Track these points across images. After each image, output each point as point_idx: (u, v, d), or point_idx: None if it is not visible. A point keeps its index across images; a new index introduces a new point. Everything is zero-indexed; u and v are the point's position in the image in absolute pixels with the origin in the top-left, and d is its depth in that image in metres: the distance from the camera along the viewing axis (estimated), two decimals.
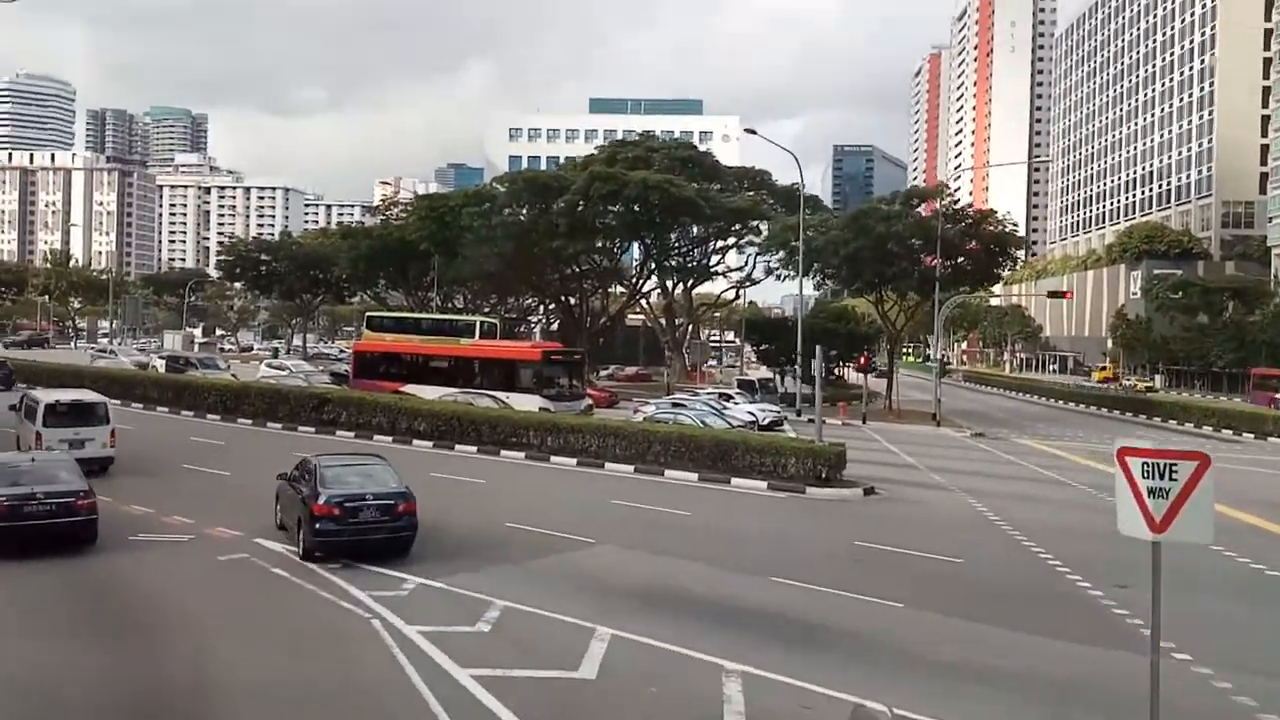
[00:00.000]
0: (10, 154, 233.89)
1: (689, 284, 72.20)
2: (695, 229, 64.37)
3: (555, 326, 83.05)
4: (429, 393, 37.95)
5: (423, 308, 69.76)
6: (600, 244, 55.83)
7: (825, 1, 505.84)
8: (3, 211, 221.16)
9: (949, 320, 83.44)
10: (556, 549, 16.56)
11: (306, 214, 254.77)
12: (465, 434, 29.64)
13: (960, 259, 50.64)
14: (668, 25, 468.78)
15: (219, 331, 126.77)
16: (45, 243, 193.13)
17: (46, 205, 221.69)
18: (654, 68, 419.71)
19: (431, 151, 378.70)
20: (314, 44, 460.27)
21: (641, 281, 63.00)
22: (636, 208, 54.44)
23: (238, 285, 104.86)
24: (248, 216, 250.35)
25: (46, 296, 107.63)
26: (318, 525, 14.59)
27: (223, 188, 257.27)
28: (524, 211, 56.88)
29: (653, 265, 64.77)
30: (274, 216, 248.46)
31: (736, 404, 39.06)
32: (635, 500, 21.35)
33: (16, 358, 54.99)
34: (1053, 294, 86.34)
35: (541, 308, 79.68)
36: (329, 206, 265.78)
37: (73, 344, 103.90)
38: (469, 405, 32.69)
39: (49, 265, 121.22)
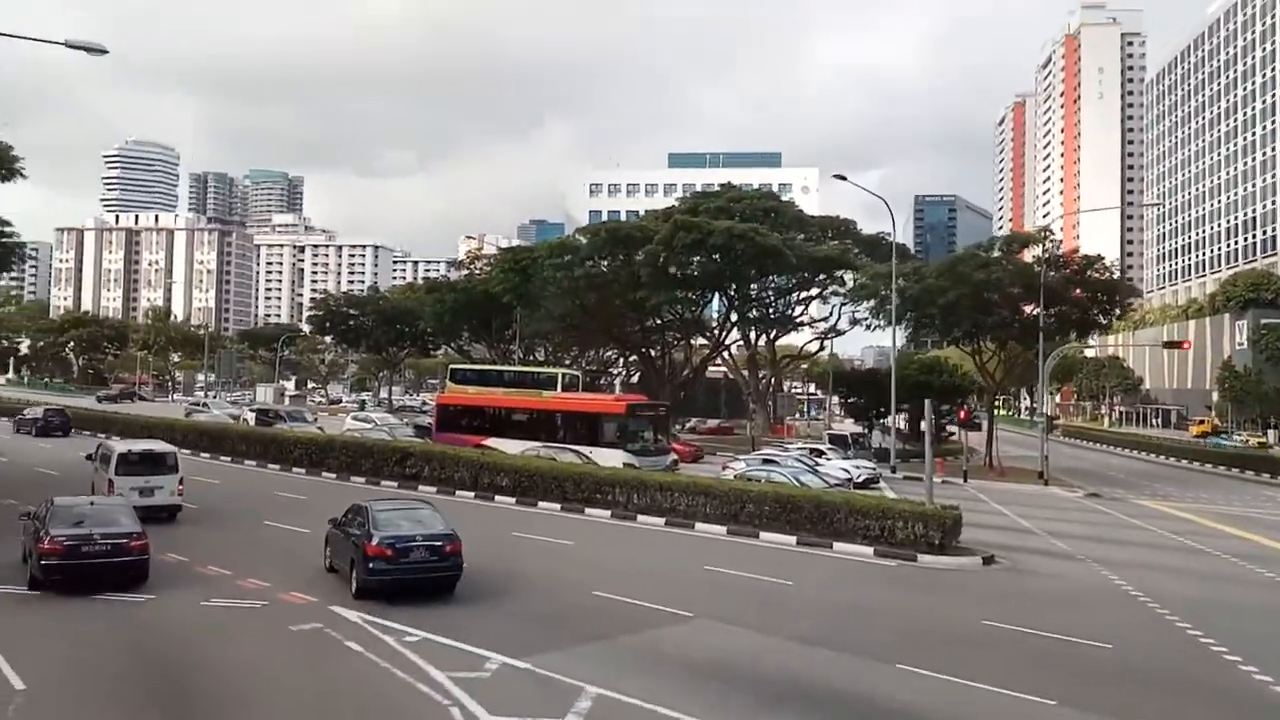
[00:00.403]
0: (117, 216, 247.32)
1: (772, 335, 70.65)
2: (778, 279, 63.03)
3: (635, 379, 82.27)
4: (511, 446, 37.14)
5: (505, 360, 69.73)
6: (682, 295, 54.84)
7: (903, 53, 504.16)
8: (109, 271, 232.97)
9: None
10: (650, 623, 15.08)
11: (394, 270, 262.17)
12: (548, 491, 28.52)
13: (1064, 307, 47.93)
14: (745, 79, 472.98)
15: (310, 384, 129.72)
16: (148, 300, 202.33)
17: (150, 264, 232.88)
18: (732, 121, 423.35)
19: (513, 209, 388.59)
20: (403, 109, 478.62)
21: (725, 333, 61.74)
22: (719, 257, 53.44)
23: (328, 339, 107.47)
24: (339, 273, 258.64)
25: (146, 351, 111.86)
26: (371, 565, 15.34)
27: (316, 246, 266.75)
28: (605, 263, 56.41)
29: (735, 316, 63.51)
30: (364, 273, 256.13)
31: (829, 460, 37.10)
32: (731, 566, 19.76)
33: (113, 411, 56.40)
34: (1169, 344, 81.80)
35: (621, 360, 79.07)
36: (415, 263, 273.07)
37: (170, 397, 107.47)
38: (551, 461, 31.65)
39: (149, 321, 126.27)
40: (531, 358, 68.94)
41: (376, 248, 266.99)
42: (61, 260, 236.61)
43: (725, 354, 71.09)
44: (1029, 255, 53.37)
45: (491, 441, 39.39)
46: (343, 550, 16.71)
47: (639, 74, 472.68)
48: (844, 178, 41.18)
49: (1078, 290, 48.10)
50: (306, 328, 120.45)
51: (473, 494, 30.33)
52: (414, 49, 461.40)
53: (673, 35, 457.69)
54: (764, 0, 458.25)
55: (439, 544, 15.79)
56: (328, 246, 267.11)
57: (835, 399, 75.79)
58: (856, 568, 20.68)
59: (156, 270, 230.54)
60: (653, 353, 65.00)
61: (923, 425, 27.96)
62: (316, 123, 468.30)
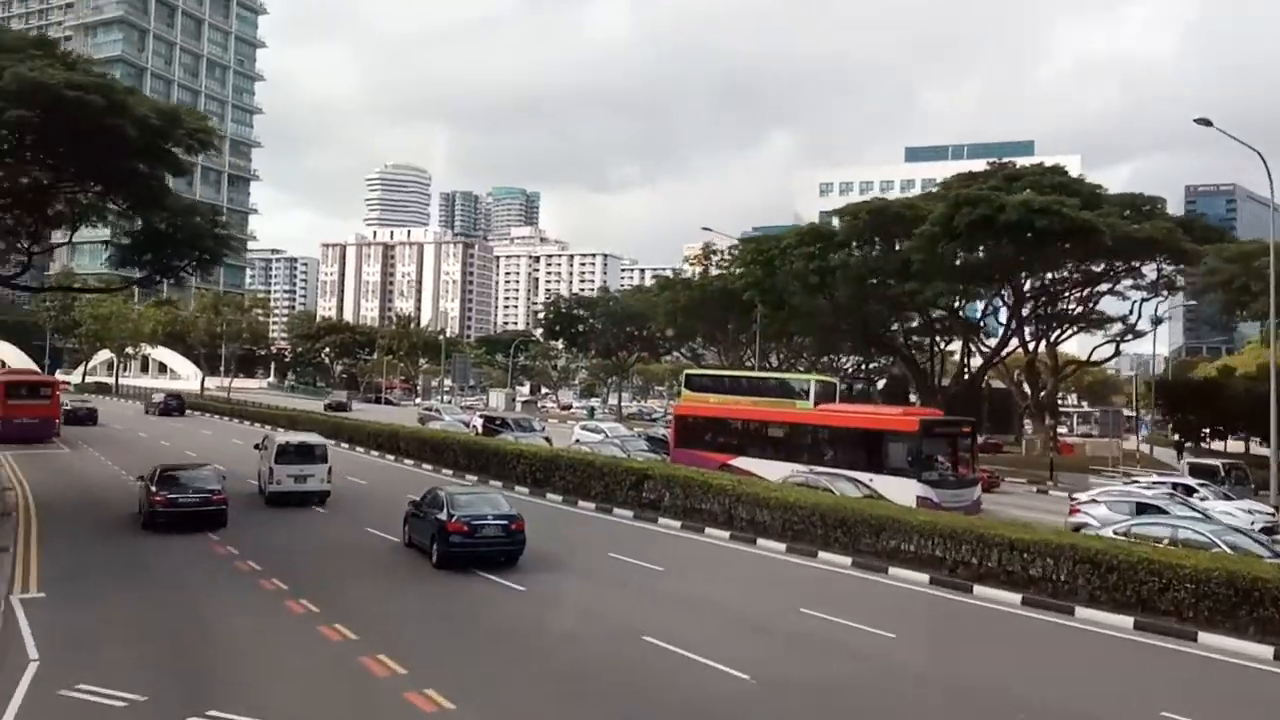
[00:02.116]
0: (375, 232, 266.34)
1: (1055, 336, 59.12)
2: (1069, 270, 51.85)
3: (881, 385, 72.88)
4: (766, 468, 30.27)
5: (738, 365, 63.21)
6: (964, 286, 45.62)
7: (1157, 42, 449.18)
8: (367, 282, 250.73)
9: None
10: None
11: (622, 277, 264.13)
12: (831, 538, 21.28)
13: None
14: (980, 77, 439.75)
15: (541, 390, 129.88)
16: (401, 310, 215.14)
17: (403, 275, 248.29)
18: (965, 122, 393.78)
19: (735, 218, 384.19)
20: (631, 126, 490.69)
21: (1011, 333, 51.43)
22: (1007, 239, 43.71)
23: (559, 344, 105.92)
24: (570, 281, 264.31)
25: (391, 356, 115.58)
26: (451, 539, 18.19)
27: (550, 256, 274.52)
28: (859, 250, 48.32)
29: (1022, 312, 52.93)
30: (593, 280, 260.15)
31: (1207, 500, 27.01)
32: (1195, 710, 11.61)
33: (340, 418, 55.08)
34: None
35: (864, 365, 70.02)
36: (642, 270, 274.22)
37: (414, 401, 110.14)
38: (827, 493, 24.35)
39: (394, 327, 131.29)
40: (765, 364, 61.73)
41: (605, 256, 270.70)
42: (327, 274, 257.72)
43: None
44: None
45: (741, 462, 32.70)
46: (422, 529, 19.61)
47: (864, 78, 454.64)
48: (1208, 122, 30.78)
49: None
50: (538, 332, 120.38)
51: (727, 534, 23.67)
52: (640, 68, 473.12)
53: (899, 38, 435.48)
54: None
55: (506, 522, 18.67)
56: (560, 256, 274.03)
57: (1145, 414, 62.93)
58: None
59: (409, 281, 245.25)
60: (915, 355, 55.91)
61: None
62: (552, 141, 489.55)
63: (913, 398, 61.23)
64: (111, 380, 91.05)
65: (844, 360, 69.16)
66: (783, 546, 22.12)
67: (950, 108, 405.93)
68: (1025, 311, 52.90)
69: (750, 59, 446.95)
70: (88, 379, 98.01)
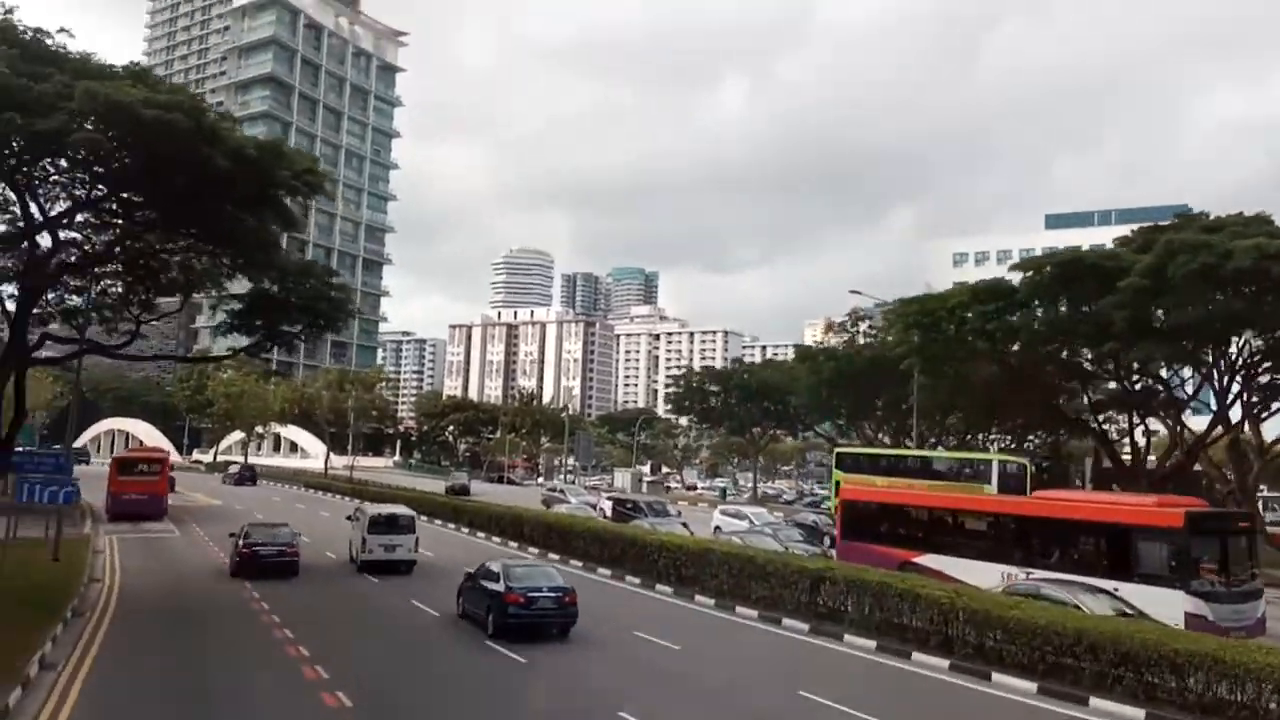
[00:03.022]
0: (499, 313, 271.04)
1: (1263, 412, 50.39)
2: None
3: (1045, 465, 64.52)
4: (964, 570, 24.42)
5: (871, 442, 56.91)
6: (1177, 347, 38.48)
7: None
8: (492, 362, 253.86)
9: None
10: None
11: (743, 354, 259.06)
12: (1107, 677, 15.38)
13: None
14: (1116, 144, 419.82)
15: (663, 469, 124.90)
16: (523, 389, 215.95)
17: (525, 355, 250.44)
18: (1096, 193, 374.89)
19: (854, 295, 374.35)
20: (747, 206, 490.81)
21: (1227, 406, 43.46)
22: (1230, 293, 36.73)
23: (683, 422, 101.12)
24: (691, 359, 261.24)
25: (514, 434, 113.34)
26: (509, 610, 18.87)
27: (670, 334, 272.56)
28: (1043, 309, 42.02)
29: (1227, 383, 45.01)
30: (714, 358, 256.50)
31: None
32: None
33: (461, 501, 51.65)
34: None
35: (1024, 443, 62.01)
36: (763, 347, 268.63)
37: (537, 480, 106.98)
38: (1075, 611, 18.39)
39: (517, 404, 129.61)
40: (911, 441, 54.92)
41: (726, 333, 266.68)
42: (453, 354, 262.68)
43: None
44: None
45: (929, 560, 26.77)
46: (477, 600, 20.19)
47: (985, 152, 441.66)
48: None
49: None
50: (664, 409, 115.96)
51: (944, 663, 17.97)
52: (757, 149, 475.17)
53: (1023, 108, 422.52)
54: (1131, 64, 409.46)
55: (560, 594, 19.38)
56: (680, 333, 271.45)
57: None
58: None
59: (531, 360, 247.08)
60: (1105, 429, 48.45)
61: None
62: (670, 223, 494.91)
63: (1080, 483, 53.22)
64: (242, 459, 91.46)
65: (997, 438, 61.29)
66: (1032, 686, 16.29)
67: (1080, 176, 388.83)
68: (1238, 381, 45.00)
69: (868, 137, 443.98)
70: (219, 458, 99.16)
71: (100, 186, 21.51)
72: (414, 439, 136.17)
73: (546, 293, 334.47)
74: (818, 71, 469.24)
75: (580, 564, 31.23)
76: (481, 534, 39.76)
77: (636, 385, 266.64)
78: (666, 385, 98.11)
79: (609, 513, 44.66)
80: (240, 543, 26.92)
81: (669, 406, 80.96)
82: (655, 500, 45.54)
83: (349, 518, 32.45)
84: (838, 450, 47.62)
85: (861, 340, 56.63)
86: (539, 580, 19.70)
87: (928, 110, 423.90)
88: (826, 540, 35.35)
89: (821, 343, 64.86)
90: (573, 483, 78.61)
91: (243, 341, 29.78)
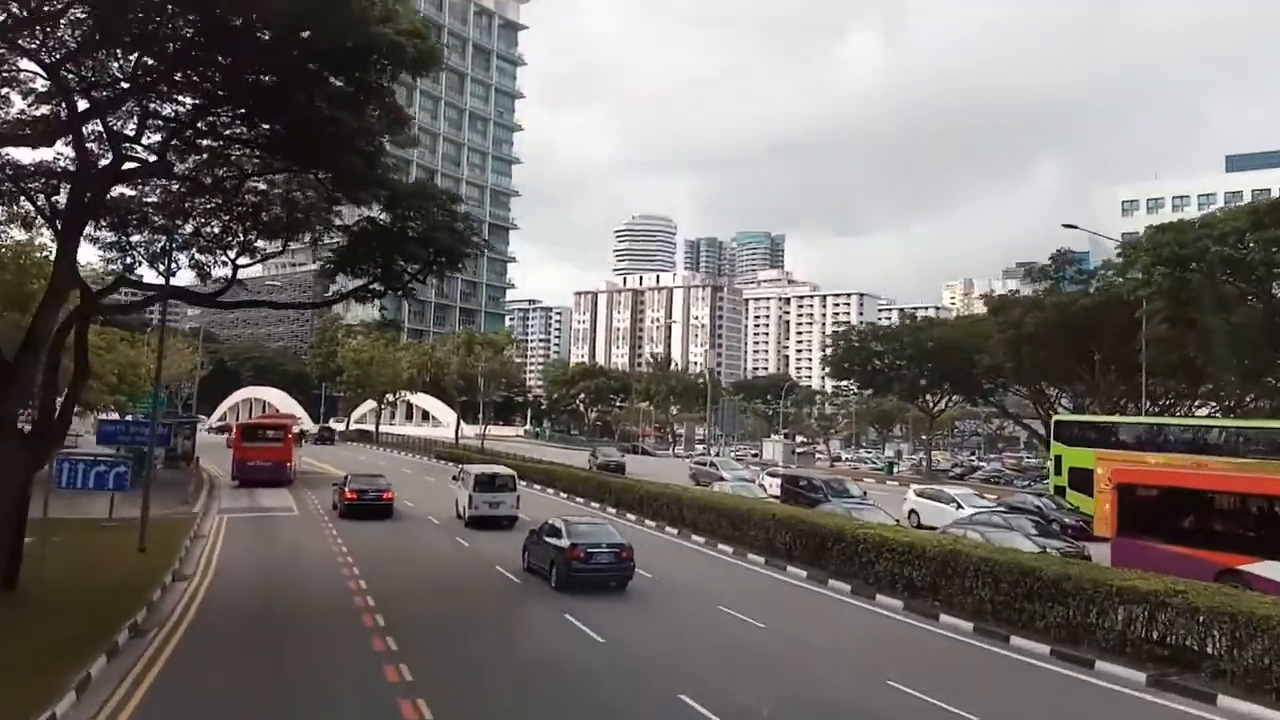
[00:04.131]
0: (624, 279, 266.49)
1: None
2: None
3: None
4: None
5: (1083, 409, 47.92)
6: None
7: None
8: (617, 329, 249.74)
9: None
10: None
11: (880, 318, 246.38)
12: None
13: None
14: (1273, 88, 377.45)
15: (799, 438, 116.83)
16: (650, 355, 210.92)
17: (651, 321, 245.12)
18: (1259, 137, 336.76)
19: (996, 253, 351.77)
20: (878, 165, 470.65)
21: None
22: None
23: (828, 388, 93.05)
24: (824, 323, 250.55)
25: (648, 402, 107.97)
26: (572, 565, 19.86)
27: (801, 297, 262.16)
28: None
29: None
30: (848, 322, 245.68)
31: None
32: None
33: (608, 478, 46.20)
34: None
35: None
36: (900, 309, 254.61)
37: (671, 451, 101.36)
38: None
39: (650, 369, 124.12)
40: (1128, 406, 45.72)
41: (861, 295, 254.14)
42: (579, 321, 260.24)
43: None
44: None
45: (1266, 569, 19.19)
46: (542, 555, 21.20)
47: (1132, 100, 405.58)
48: None
49: None
50: (817, 374, 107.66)
51: None
52: (888, 106, 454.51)
53: (1177, 55, 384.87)
54: None
55: (618, 550, 20.29)
56: (812, 297, 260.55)
57: None
58: None
59: (657, 327, 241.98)
60: None
61: None
62: (796, 185, 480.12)
63: None
64: (373, 428, 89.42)
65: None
66: None
67: (1239, 121, 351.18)
68: None
69: (1005, 89, 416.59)
70: (353, 426, 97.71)
71: (157, 65, 16.28)
72: (543, 407, 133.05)
73: (669, 259, 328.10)
74: (949, 23, 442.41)
75: (762, 558, 24.96)
76: (631, 516, 33.99)
77: (767, 351, 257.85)
78: (823, 345, 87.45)
79: (774, 491, 38.24)
80: (345, 489, 32.50)
81: (825, 370, 72.50)
82: (834, 478, 38.60)
83: (454, 478, 34.85)
84: (1058, 419, 39.29)
85: (1069, 287, 47.44)
86: (599, 537, 20.70)
87: (1070, 58, 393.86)
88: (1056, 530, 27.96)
89: (1012, 294, 55.50)
90: (715, 454, 72.22)
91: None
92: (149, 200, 24.81)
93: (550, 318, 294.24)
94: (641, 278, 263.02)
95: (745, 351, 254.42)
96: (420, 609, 18.78)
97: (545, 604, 19.03)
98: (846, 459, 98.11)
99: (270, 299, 46.20)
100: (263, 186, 25.14)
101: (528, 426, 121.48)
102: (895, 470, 65.17)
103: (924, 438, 74.10)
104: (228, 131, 21.50)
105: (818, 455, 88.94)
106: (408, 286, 23.94)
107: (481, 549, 26.05)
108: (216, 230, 26.29)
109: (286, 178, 24.75)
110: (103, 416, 40.88)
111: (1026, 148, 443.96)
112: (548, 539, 20.84)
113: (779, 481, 39.67)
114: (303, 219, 25.91)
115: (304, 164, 20.56)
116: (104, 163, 18.70)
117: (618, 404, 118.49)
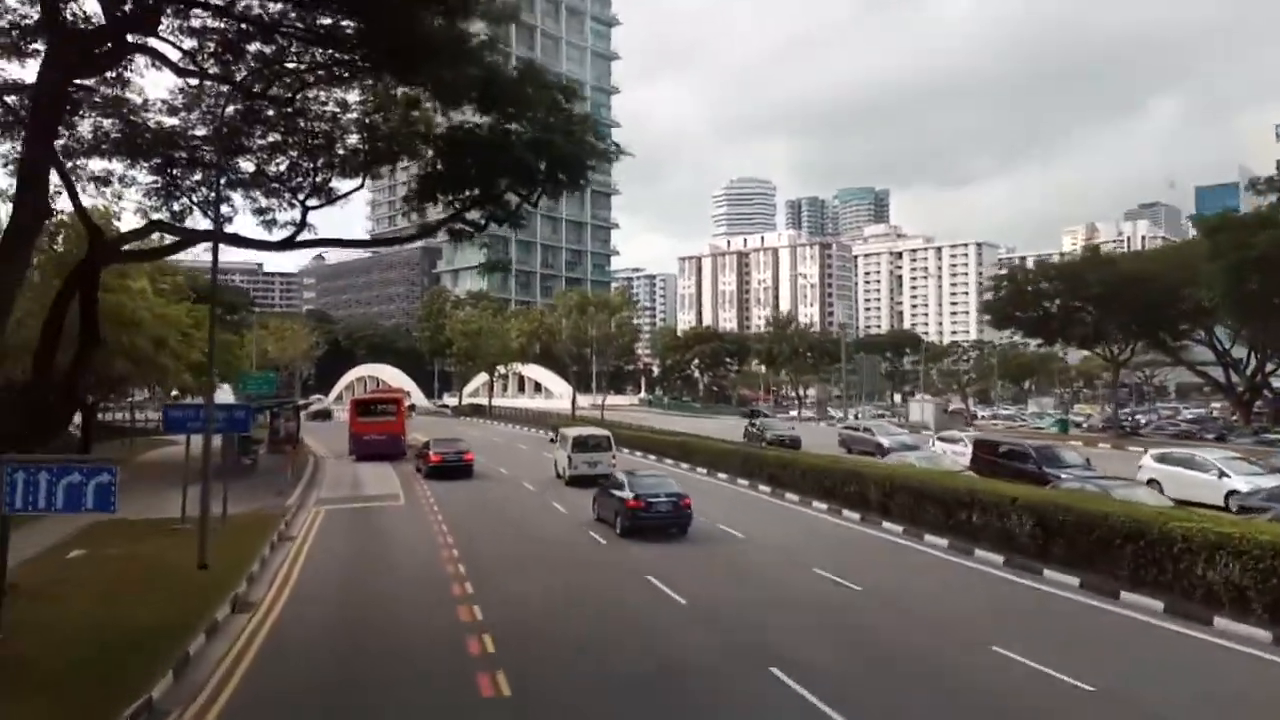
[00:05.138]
0: (728, 241, 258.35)
1: None
2: None
3: None
4: None
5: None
6: None
7: None
8: (724, 293, 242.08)
9: None
10: None
11: (1000, 269, 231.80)
12: None
13: None
14: None
15: (946, 398, 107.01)
16: (759, 317, 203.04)
17: (759, 283, 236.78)
18: None
19: (1110, 196, 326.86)
20: (981, 114, 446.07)
21: None
22: None
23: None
24: (939, 277, 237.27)
25: (770, 365, 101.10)
26: (632, 513, 21.69)
27: (913, 250, 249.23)
28: None
29: None
30: (966, 274, 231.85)
31: None
32: None
33: (757, 450, 40.31)
34: None
35: None
36: (1022, 258, 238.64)
37: (795, 415, 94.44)
38: None
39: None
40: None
41: (979, 245, 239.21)
42: (685, 287, 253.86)
43: None
44: None
45: None
46: (607, 505, 23.27)
47: (1267, 27, 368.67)
48: None
49: None
50: (975, 323, 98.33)
51: None
52: (988, 52, 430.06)
53: None
54: None
55: (675, 499, 22.01)
56: (925, 249, 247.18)
57: None
58: None
59: (765, 288, 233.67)
60: None
61: None
62: (896, 140, 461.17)
63: None
64: (485, 402, 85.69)
65: None
66: None
67: None
68: None
69: (1112, 24, 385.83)
70: (465, 400, 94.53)
71: None
72: (655, 375, 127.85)
73: (770, 221, 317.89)
74: None
75: (999, 558, 18.70)
76: (792, 496, 28.07)
77: (879, 307, 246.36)
78: (986, 289, 76.81)
79: (962, 462, 31.56)
80: (429, 453, 35.57)
81: (987, 318, 63.61)
82: (1042, 444, 31.50)
83: (550, 439, 37.68)
84: None
85: None
86: (658, 488, 22.50)
87: None
88: None
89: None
90: (854, 417, 65.06)
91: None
92: (197, 134, 20.11)
93: (655, 285, 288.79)
94: (745, 239, 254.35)
95: (857, 309, 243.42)
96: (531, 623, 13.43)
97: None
98: (983, 417, 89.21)
99: (339, 239, 42.99)
100: (333, 109, 20.07)
101: (643, 395, 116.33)
102: (1068, 429, 56.70)
103: (1057, 391, 65.47)
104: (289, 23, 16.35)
105: (969, 416, 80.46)
106: (515, 213, 18.37)
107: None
108: (282, 169, 21.39)
109: (363, 98, 19.69)
110: (189, 400, 37.52)
111: (1138, 84, 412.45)
112: (613, 491, 22.97)
113: (955, 448, 32.91)
114: (384, 149, 20.67)
115: (398, 70, 15.03)
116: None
117: (733, 369, 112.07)
